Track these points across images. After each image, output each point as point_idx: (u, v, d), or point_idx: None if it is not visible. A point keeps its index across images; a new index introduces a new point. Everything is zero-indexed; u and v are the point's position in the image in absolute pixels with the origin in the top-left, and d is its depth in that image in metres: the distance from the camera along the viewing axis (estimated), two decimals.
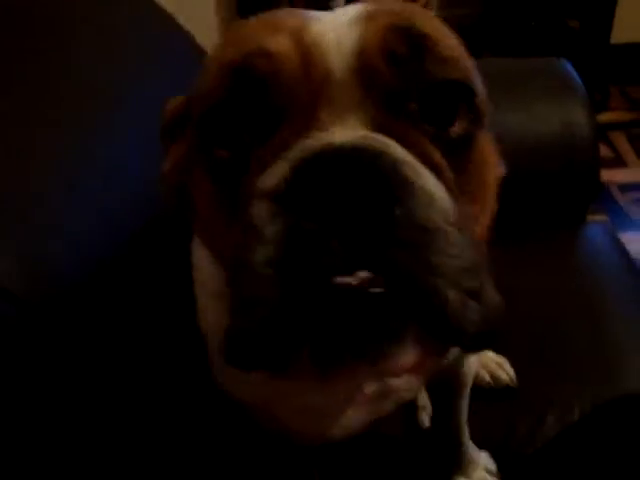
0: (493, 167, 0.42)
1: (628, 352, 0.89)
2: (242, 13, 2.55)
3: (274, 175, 0.34)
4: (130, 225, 0.67)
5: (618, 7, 2.48)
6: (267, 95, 0.36)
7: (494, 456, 0.80)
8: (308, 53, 0.36)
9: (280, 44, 0.37)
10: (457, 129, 0.38)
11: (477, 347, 0.38)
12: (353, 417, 0.56)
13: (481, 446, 0.80)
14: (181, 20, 0.95)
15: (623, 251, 1.07)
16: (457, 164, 0.38)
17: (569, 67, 1.11)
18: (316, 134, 0.35)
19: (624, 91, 2.65)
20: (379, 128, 0.35)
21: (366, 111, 0.36)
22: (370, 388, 0.52)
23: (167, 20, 0.93)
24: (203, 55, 0.98)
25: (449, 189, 0.35)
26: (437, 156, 0.36)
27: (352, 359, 0.35)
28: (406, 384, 0.55)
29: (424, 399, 0.85)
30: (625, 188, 2.16)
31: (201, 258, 0.56)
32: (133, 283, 0.67)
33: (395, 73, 0.36)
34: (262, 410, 0.60)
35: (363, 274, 0.31)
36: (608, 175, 2.20)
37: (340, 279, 0.31)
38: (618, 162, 2.28)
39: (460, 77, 0.38)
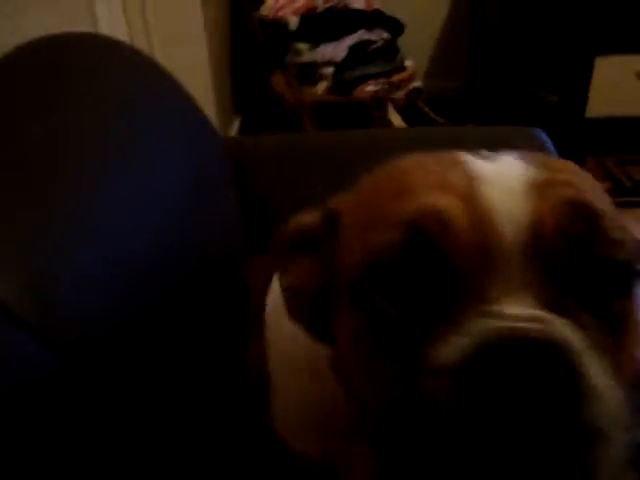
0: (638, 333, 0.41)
1: None
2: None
3: (453, 351, 0.33)
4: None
5: (592, 84, 2.62)
6: (442, 264, 0.36)
7: None
8: (481, 222, 0.36)
9: (455, 212, 0.36)
10: (616, 307, 0.37)
11: None
12: None
13: None
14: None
15: None
16: (613, 340, 0.37)
17: (543, 136, 1.19)
18: (489, 307, 0.34)
19: (600, 162, 2.76)
20: (548, 305, 0.35)
21: (537, 286, 0.35)
22: None
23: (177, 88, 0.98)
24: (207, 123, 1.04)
25: (613, 369, 0.34)
26: (604, 339, 0.35)
27: None
28: None
29: None
30: None
31: (281, 335, 0.58)
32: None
33: (567, 251, 0.36)
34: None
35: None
36: None
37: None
38: None
39: (627, 259, 0.38)
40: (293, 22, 2.47)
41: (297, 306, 0.50)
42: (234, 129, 2.72)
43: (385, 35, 2.53)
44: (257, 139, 1.36)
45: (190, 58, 2.13)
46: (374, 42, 2.49)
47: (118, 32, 1.67)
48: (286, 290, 0.51)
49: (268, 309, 0.64)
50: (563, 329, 0.33)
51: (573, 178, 0.40)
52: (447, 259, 0.36)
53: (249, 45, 2.72)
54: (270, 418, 0.63)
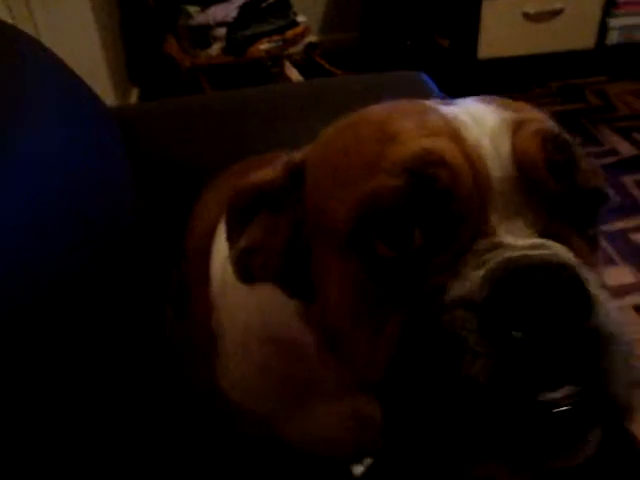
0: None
1: None
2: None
3: (469, 284, 0.35)
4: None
5: (481, 26, 2.69)
6: (446, 203, 0.37)
7: None
8: (474, 161, 0.38)
9: (451, 154, 0.38)
10: (593, 230, 0.41)
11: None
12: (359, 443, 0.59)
13: None
14: None
15: None
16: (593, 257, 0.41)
17: (426, 78, 1.23)
18: (491, 239, 0.37)
19: None
20: (544, 232, 0.38)
21: (529, 216, 0.38)
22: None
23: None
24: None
25: (602, 286, 0.37)
26: (592, 258, 0.40)
27: (545, 461, 0.35)
28: None
29: None
30: None
31: (236, 304, 0.58)
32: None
33: (553, 180, 0.39)
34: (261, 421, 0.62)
35: (567, 389, 0.32)
36: None
37: (548, 395, 0.32)
38: None
39: (600, 185, 0.41)
40: None
41: (259, 264, 0.48)
42: (133, 99, 2.66)
43: None
44: (143, 105, 1.34)
45: (76, 29, 2.07)
46: (265, 0, 2.48)
47: None
48: (245, 251, 0.49)
49: (215, 274, 0.62)
50: (564, 252, 0.36)
51: (538, 115, 0.43)
52: (451, 198, 0.37)
53: (139, 11, 2.65)
54: (212, 374, 0.63)
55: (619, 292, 1.88)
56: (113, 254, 0.83)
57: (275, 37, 2.41)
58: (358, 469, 0.81)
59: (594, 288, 0.34)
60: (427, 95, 1.20)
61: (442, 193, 0.37)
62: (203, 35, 2.42)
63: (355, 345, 0.42)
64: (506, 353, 0.32)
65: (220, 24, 2.40)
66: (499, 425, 0.33)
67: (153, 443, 0.74)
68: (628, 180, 2.34)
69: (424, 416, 0.35)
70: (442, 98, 1.18)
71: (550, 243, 0.36)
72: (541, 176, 0.38)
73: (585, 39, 2.89)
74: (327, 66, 2.66)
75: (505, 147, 0.38)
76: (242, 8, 2.40)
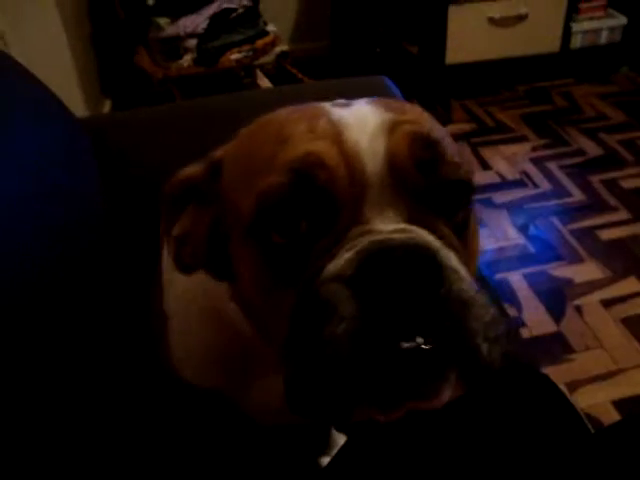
0: (478, 237, 0.53)
1: None
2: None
3: (342, 262, 0.42)
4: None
5: (449, 32, 2.75)
6: (324, 197, 0.44)
7: None
8: (350, 160, 0.44)
9: (329, 155, 0.44)
10: (460, 216, 0.48)
11: (495, 377, 0.45)
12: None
13: None
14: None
15: None
16: (460, 242, 0.48)
17: (389, 82, 1.26)
18: (364, 226, 0.43)
19: (464, 105, 2.92)
20: (411, 220, 0.44)
21: (399, 206, 0.44)
22: None
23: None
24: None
25: (463, 263, 0.44)
26: (454, 240, 0.46)
27: (410, 399, 0.42)
28: None
29: None
30: None
31: (178, 278, 0.62)
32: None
33: (420, 175, 0.45)
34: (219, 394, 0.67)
35: (420, 340, 0.39)
36: None
37: (406, 344, 0.39)
38: None
39: (463, 177, 0.48)
40: None
41: (189, 252, 0.55)
42: (105, 111, 2.67)
43: (245, 2, 2.55)
44: (119, 115, 1.36)
45: (46, 41, 2.08)
46: (234, 10, 2.50)
47: None
48: (176, 239, 0.55)
49: (165, 262, 0.69)
50: (424, 234, 0.43)
51: (416, 117, 0.49)
52: (328, 194, 0.44)
53: (110, 23, 2.66)
54: (165, 353, 0.69)
55: (588, 288, 1.93)
56: (80, 263, 0.85)
57: (245, 47, 2.44)
58: (325, 460, 0.85)
59: (451, 263, 0.42)
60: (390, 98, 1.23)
61: (320, 189, 0.44)
62: (174, 47, 2.44)
63: (263, 318, 0.50)
64: (369, 315, 0.39)
65: (190, 35, 2.42)
66: (367, 372, 0.40)
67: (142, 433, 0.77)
68: (595, 179, 2.40)
69: (310, 372, 0.42)
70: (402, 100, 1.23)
71: (412, 228, 0.43)
72: (409, 172, 0.45)
73: (550, 43, 2.96)
74: (299, 75, 2.70)
75: (380, 147, 0.44)
76: (212, 19, 2.42)
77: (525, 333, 1.75)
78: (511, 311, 1.81)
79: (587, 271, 1.99)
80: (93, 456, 0.73)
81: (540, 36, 2.91)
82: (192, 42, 2.44)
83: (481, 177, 2.44)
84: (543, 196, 2.33)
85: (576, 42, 2.98)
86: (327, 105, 0.50)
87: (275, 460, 0.79)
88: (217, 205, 0.52)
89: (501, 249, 2.09)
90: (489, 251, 2.08)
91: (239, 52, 2.42)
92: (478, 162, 2.53)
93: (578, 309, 1.85)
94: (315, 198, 0.44)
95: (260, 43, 2.48)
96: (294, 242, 0.45)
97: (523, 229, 2.17)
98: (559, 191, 2.35)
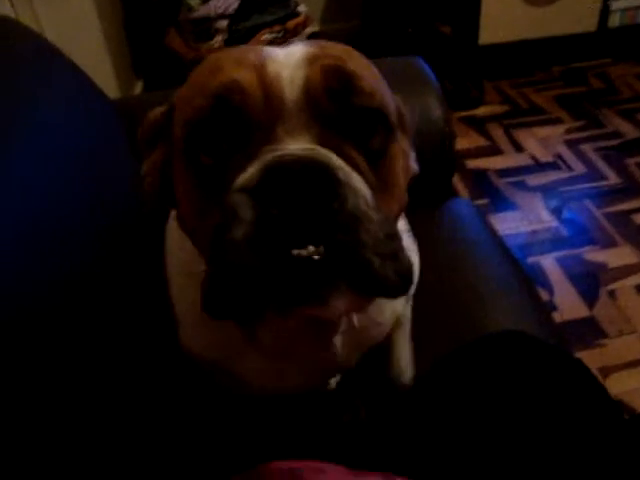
0: (403, 169, 0.56)
1: (488, 303, 1.03)
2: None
3: (247, 175, 0.46)
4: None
5: (482, 12, 2.70)
6: (240, 118, 0.48)
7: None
8: (269, 87, 0.49)
9: (248, 81, 0.49)
10: (375, 143, 0.51)
11: (395, 295, 0.49)
12: (301, 372, 0.70)
13: None
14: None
15: (481, 219, 1.21)
16: (376, 168, 0.51)
17: (422, 63, 1.25)
18: (277, 145, 0.47)
19: (497, 86, 2.88)
20: (321, 142, 0.47)
21: (311, 130, 0.48)
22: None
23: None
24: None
25: (370, 186, 0.48)
26: (362, 163, 0.49)
27: (304, 303, 0.45)
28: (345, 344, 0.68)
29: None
30: (502, 173, 2.34)
31: (175, 247, 0.70)
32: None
33: (332, 103, 0.49)
34: (221, 368, 0.71)
35: (311, 248, 0.43)
36: (486, 162, 2.39)
37: (296, 251, 0.43)
38: (495, 150, 2.47)
39: (377, 106, 0.51)
40: None
41: (149, 184, 0.60)
42: (137, 91, 2.69)
43: None
44: (151, 95, 1.36)
45: (79, 23, 2.09)
46: None
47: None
48: (145, 174, 0.61)
49: (167, 231, 0.75)
50: (327, 153, 0.47)
51: (339, 54, 0.52)
52: (242, 114, 0.48)
53: (141, 5, 2.67)
54: (179, 337, 0.73)
55: (622, 273, 1.90)
56: (117, 243, 0.86)
57: (276, 27, 2.43)
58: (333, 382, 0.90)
59: (350, 181, 0.45)
60: (424, 79, 1.22)
61: (235, 110, 0.48)
62: (205, 28, 2.44)
63: (197, 234, 0.54)
64: (265, 222, 0.43)
65: (221, 16, 2.41)
66: (263, 276, 0.44)
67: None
68: (631, 162, 2.35)
69: (219, 275, 0.46)
70: (436, 82, 1.21)
71: (318, 148, 0.47)
72: (321, 100, 0.49)
73: (587, 22, 2.89)
74: None
75: (299, 77, 0.49)
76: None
77: (557, 317, 1.73)
78: (543, 295, 1.80)
79: (621, 255, 1.96)
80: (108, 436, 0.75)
81: (576, 15, 2.85)
82: (223, 23, 2.43)
83: (514, 159, 2.41)
84: (577, 179, 2.29)
85: (614, 21, 2.90)
86: (267, 47, 0.54)
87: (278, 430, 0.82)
88: (170, 139, 0.57)
89: (534, 232, 2.06)
90: (521, 234, 2.06)
91: (270, 33, 2.40)
92: (511, 144, 2.50)
93: (611, 294, 1.82)
94: (231, 119, 0.49)
95: (291, 24, 2.46)
96: (218, 161, 0.49)
97: (556, 212, 2.14)
98: (593, 174, 2.31)
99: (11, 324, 0.62)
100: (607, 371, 1.59)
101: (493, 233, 1.21)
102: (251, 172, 0.46)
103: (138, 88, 2.73)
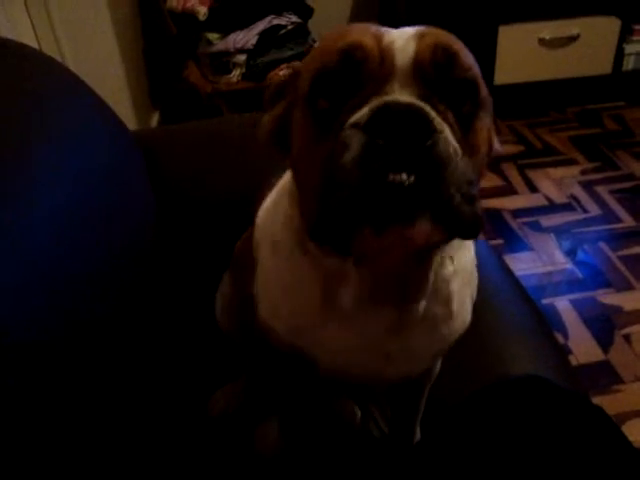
0: (486, 142, 0.62)
1: (507, 345, 1.01)
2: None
3: (359, 114, 0.53)
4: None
5: (498, 52, 2.73)
6: (359, 71, 0.56)
7: None
8: (385, 51, 0.56)
9: (370, 44, 0.57)
10: (466, 109, 0.58)
11: (467, 234, 0.56)
12: (369, 352, 0.74)
13: None
14: None
15: (500, 260, 1.20)
16: (465, 131, 0.57)
17: None
18: (385, 95, 0.54)
19: (512, 126, 2.89)
20: (423, 99, 0.54)
21: (414, 88, 0.55)
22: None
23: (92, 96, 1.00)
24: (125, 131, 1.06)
25: (458, 141, 0.54)
26: (454, 123, 0.56)
27: (396, 222, 0.52)
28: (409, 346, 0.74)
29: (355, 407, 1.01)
30: (516, 214, 2.33)
31: (267, 219, 0.79)
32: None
33: (435, 71, 0.56)
34: (295, 343, 0.77)
35: (404, 175, 0.50)
36: (501, 202, 2.38)
37: (392, 175, 0.50)
38: (509, 190, 2.47)
39: (471, 78, 0.58)
40: (202, 12, 2.48)
41: (269, 131, 0.68)
42: (153, 124, 2.71)
43: (294, 19, 2.57)
44: (169, 128, 1.37)
45: (101, 56, 2.12)
46: (284, 26, 2.52)
47: (24, 34, 1.65)
48: (265, 123, 0.69)
49: (260, 213, 0.83)
50: (424, 104, 0.53)
51: (444, 34, 0.60)
52: (361, 68, 0.56)
53: (161, 39, 2.71)
54: (251, 288, 0.80)
55: (637, 317, 1.87)
56: (133, 276, 0.85)
57: (294, 63, 2.45)
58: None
59: (444, 130, 0.52)
60: None
61: (357, 64, 0.56)
62: (223, 62, 2.47)
63: (307, 170, 0.59)
64: (370, 150, 0.51)
65: (240, 51, 2.44)
66: (364, 196, 0.51)
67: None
68: None
69: (327, 197, 0.53)
70: None
71: (419, 100, 0.54)
72: (427, 68, 0.56)
73: (602, 65, 2.91)
74: None
75: (410, 47, 0.57)
76: (261, 35, 2.44)
77: (572, 361, 1.71)
78: (558, 338, 1.76)
79: (637, 299, 1.94)
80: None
81: (591, 57, 2.87)
82: (241, 57, 2.46)
83: (528, 200, 2.41)
84: (592, 221, 2.28)
85: (628, 64, 2.92)
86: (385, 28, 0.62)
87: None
88: (292, 95, 0.64)
89: (548, 274, 2.05)
90: (536, 275, 2.04)
91: (288, 68, 2.42)
92: (525, 185, 2.50)
93: (627, 338, 1.80)
94: (352, 72, 0.56)
95: None
96: (333, 106, 0.56)
97: (571, 254, 2.12)
98: (608, 216, 2.30)
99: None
100: (623, 418, 1.56)
101: (511, 275, 1.20)
102: (363, 112, 0.53)
103: (155, 119, 2.76)
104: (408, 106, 0.52)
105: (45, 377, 0.65)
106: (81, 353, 0.70)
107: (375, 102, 0.53)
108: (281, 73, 0.70)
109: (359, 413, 1.02)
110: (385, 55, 0.57)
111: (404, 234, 0.53)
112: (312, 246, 0.68)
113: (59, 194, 0.76)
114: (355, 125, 0.52)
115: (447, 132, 0.53)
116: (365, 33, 0.59)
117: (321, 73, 0.58)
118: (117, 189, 0.92)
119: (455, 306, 0.75)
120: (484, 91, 0.61)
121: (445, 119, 0.55)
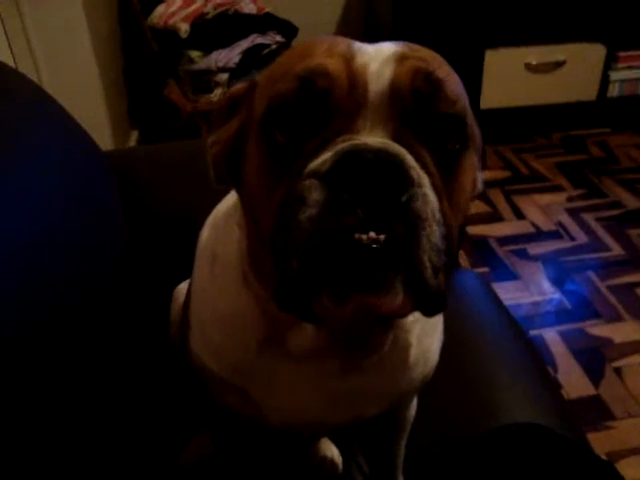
0: (470, 183, 0.55)
1: (500, 389, 0.95)
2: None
3: (321, 160, 0.46)
4: None
5: (484, 76, 2.71)
6: (322, 103, 0.49)
7: None
8: (355, 77, 0.49)
9: (336, 68, 0.49)
10: (449, 149, 0.51)
11: (430, 309, 0.49)
12: (320, 398, 0.67)
13: None
14: None
15: (491, 293, 1.14)
16: (445, 175, 0.50)
17: None
18: (353, 135, 0.47)
19: (497, 151, 2.85)
20: (397, 139, 0.47)
21: (389, 125, 0.48)
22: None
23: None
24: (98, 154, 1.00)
25: (437, 193, 0.47)
26: (433, 168, 0.48)
27: (359, 290, 0.45)
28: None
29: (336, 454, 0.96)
30: (503, 241, 2.29)
31: (207, 246, 0.70)
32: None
33: (415, 104, 0.49)
34: (235, 389, 0.69)
35: (372, 234, 0.43)
36: (487, 229, 2.34)
37: (358, 235, 0.43)
38: (496, 217, 2.42)
39: (458, 113, 0.51)
40: (184, 29, 2.42)
41: (214, 154, 0.60)
42: (132, 142, 2.65)
43: (278, 38, 2.52)
44: (147, 148, 1.32)
45: (78, 72, 2.06)
46: (268, 46, 2.48)
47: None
48: (212, 144, 0.61)
49: (209, 219, 0.74)
50: (400, 149, 0.46)
51: (427, 56, 0.53)
52: (325, 99, 0.48)
53: (142, 55, 2.65)
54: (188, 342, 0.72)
55: (628, 349, 1.82)
56: (102, 297, 0.79)
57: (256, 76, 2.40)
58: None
59: (421, 181, 0.45)
60: None
61: (319, 94, 0.48)
62: (204, 80, 2.41)
63: (261, 213, 0.53)
64: (332, 206, 0.44)
65: (222, 69, 2.39)
66: (324, 258, 0.44)
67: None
68: (633, 233, 2.31)
69: (284, 259, 0.46)
70: None
71: (393, 144, 0.46)
72: (406, 100, 0.48)
73: (587, 91, 2.90)
74: None
75: (386, 73, 0.49)
76: (244, 54, 2.39)
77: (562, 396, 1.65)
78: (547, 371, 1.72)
79: (627, 331, 1.89)
80: None
81: (577, 84, 2.87)
82: (223, 76, 2.40)
83: (515, 227, 2.37)
84: (580, 249, 2.24)
85: (613, 91, 2.92)
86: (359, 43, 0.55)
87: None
88: (246, 115, 0.57)
89: (535, 304, 1.99)
90: (523, 305, 1.99)
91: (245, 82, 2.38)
92: (512, 211, 2.46)
93: (618, 371, 1.75)
94: (314, 103, 0.49)
95: None
96: (292, 142, 0.49)
97: (558, 283, 2.08)
98: (596, 244, 2.26)
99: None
100: (615, 456, 1.50)
101: (502, 308, 1.14)
102: (325, 157, 0.46)
103: (133, 138, 2.69)
104: (380, 152, 0.45)
105: None
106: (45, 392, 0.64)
107: (340, 145, 0.46)
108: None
109: (340, 461, 0.95)
110: (355, 82, 0.49)
111: (369, 303, 0.46)
112: (256, 285, 0.61)
113: (19, 229, 0.69)
114: (315, 174, 0.45)
115: (427, 186, 0.46)
116: (332, 53, 0.51)
117: (278, 101, 0.50)
118: (88, 218, 0.86)
119: (415, 352, 0.68)
120: (472, 126, 0.54)
121: (425, 166, 0.48)
